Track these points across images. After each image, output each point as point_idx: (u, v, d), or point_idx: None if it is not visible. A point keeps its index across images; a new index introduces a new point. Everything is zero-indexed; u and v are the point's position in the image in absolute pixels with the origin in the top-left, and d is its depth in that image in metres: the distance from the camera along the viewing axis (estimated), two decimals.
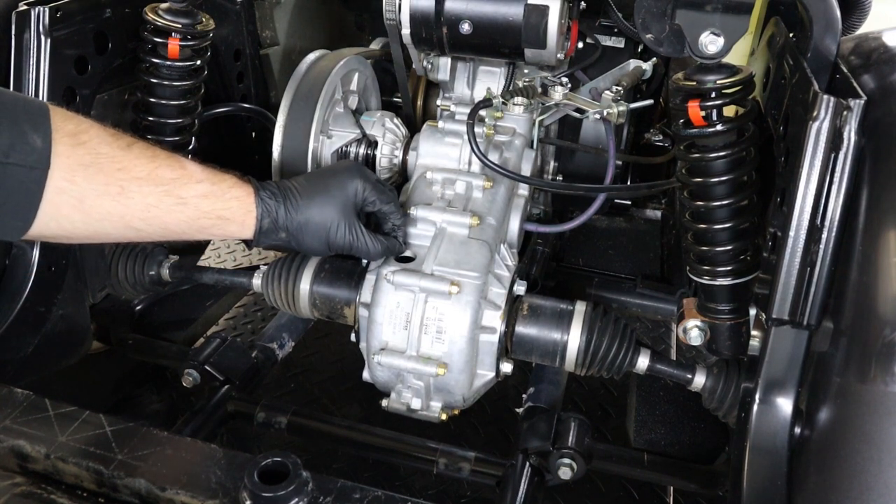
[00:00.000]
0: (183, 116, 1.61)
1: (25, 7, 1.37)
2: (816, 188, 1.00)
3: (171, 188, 1.11)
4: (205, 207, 1.15)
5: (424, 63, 1.66)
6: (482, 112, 1.51)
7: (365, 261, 1.45)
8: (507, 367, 1.39)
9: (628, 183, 2.04)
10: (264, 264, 1.56)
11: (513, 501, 1.38)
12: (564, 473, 1.41)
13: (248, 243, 1.26)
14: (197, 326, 2.10)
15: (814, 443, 1.01)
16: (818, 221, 1.01)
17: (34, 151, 0.96)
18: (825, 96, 0.98)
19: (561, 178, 1.91)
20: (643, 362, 1.39)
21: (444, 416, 1.38)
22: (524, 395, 1.61)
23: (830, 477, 0.96)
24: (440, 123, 1.60)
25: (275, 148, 1.58)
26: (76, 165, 1.01)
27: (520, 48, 1.49)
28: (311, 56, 1.68)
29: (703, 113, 1.17)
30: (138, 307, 1.98)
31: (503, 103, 1.49)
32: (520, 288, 1.42)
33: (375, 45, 2.01)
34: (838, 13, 1.10)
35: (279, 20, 2.02)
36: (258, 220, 1.21)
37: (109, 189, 1.05)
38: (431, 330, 1.31)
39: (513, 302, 1.40)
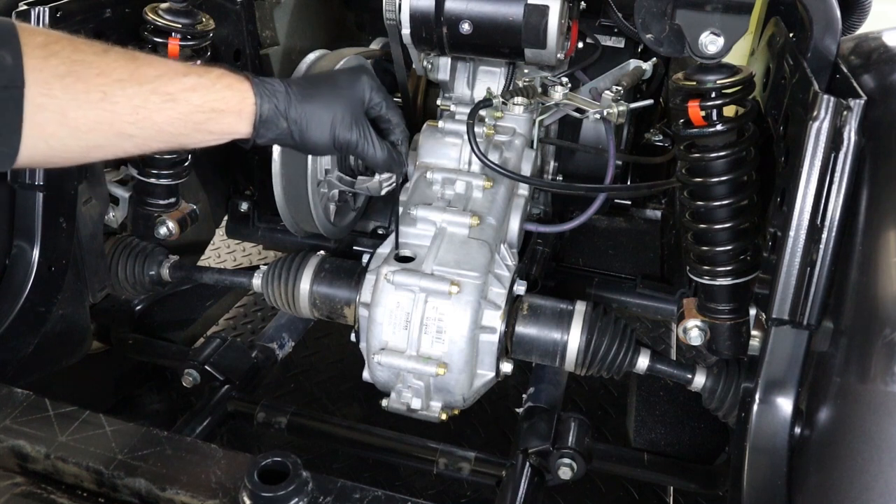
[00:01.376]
0: None
1: (25, 7, 1.36)
2: (816, 188, 1.00)
3: (157, 85, 1.04)
4: (196, 101, 1.07)
5: (424, 63, 1.66)
6: (482, 112, 1.51)
7: (365, 260, 1.45)
8: (507, 367, 1.39)
9: (628, 183, 2.04)
10: (264, 264, 1.56)
11: (513, 501, 1.38)
12: (564, 473, 1.41)
13: (246, 144, 1.19)
14: (197, 326, 2.09)
15: (814, 443, 1.01)
16: (818, 221, 1.01)
17: (5, 70, 0.90)
18: (825, 96, 0.98)
19: (561, 178, 1.91)
20: (643, 362, 1.39)
21: (444, 416, 1.38)
22: (524, 395, 1.61)
23: (830, 477, 0.96)
24: (440, 123, 1.60)
25: (275, 148, 1.58)
26: (52, 77, 0.95)
27: (520, 48, 1.49)
28: (311, 56, 1.68)
29: (703, 113, 1.17)
30: (138, 307, 1.98)
31: (503, 103, 1.49)
32: (520, 288, 1.42)
33: (375, 45, 2.01)
34: (838, 13, 1.10)
35: (279, 20, 2.02)
36: (257, 106, 1.13)
37: (91, 96, 0.98)
38: (431, 330, 1.31)
39: (513, 302, 1.40)
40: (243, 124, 1.14)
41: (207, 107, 1.09)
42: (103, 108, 0.99)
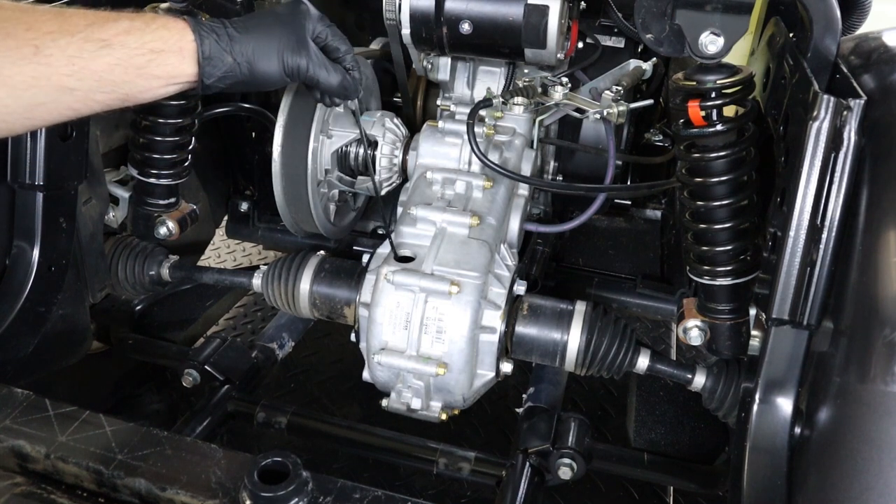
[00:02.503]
0: (183, 116, 1.61)
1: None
2: (816, 188, 1.00)
3: (89, 33, 1.01)
4: (132, 43, 1.04)
5: (424, 63, 1.66)
6: (482, 112, 1.51)
7: (365, 260, 1.45)
8: (507, 367, 1.39)
9: (628, 183, 2.04)
10: (264, 264, 1.56)
11: (513, 501, 1.38)
12: (564, 473, 1.41)
13: (196, 89, 1.14)
14: (197, 326, 2.10)
15: (814, 443, 1.01)
16: (818, 221, 1.01)
17: None
18: (825, 96, 0.98)
19: (561, 178, 1.91)
20: (643, 362, 1.39)
21: (444, 416, 1.38)
22: (524, 395, 1.61)
23: (830, 477, 0.96)
24: (440, 123, 1.60)
25: (275, 148, 1.58)
26: None
27: (520, 48, 1.49)
28: None
29: (703, 113, 1.17)
30: (138, 307, 1.98)
31: (503, 103, 1.49)
32: (520, 288, 1.42)
33: (375, 45, 2.01)
34: (838, 13, 1.10)
35: None
36: (198, 43, 1.10)
37: (23, 51, 0.96)
38: (431, 330, 1.31)
39: (513, 302, 1.40)
40: (187, 64, 1.10)
41: (146, 48, 1.05)
42: (38, 62, 0.98)
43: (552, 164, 1.89)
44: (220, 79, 1.14)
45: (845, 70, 1.08)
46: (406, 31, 1.50)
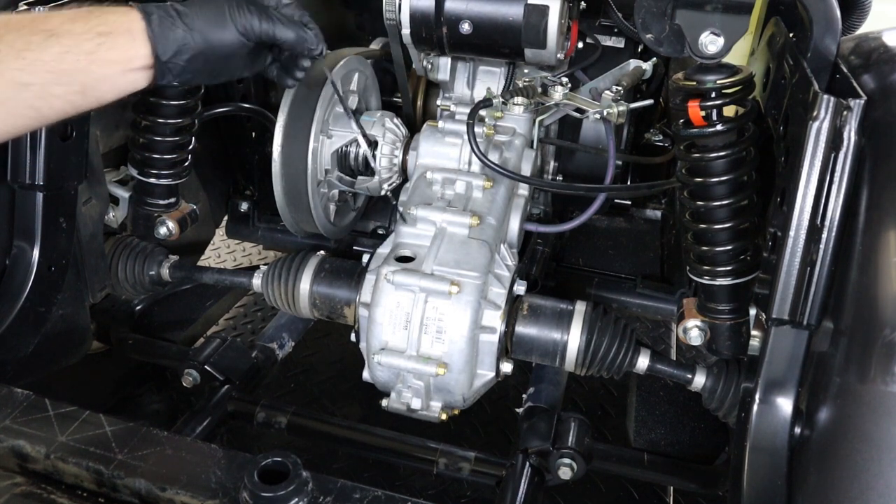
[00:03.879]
0: (183, 116, 1.61)
1: (25, 7, 1.36)
2: (816, 188, 1.00)
3: (34, 26, 1.00)
4: (78, 29, 1.02)
5: (424, 63, 1.66)
6: (482, 112, 1.51)
7: (365, 260, 1.45)
8: (507, 367, 1.39)
9: (628, 183, 2.04)
10: (264, 264, 1.56)
11: (513, 501, 1.38)
12: (564, 473, 1.41)
13: (157, 74, 1.10)
14: (197, 326, 2.10)
15: (814, 443, 1.01)
16: (818, 221, 1.01)
17: None
18: (825, 96, 0.98)
19: (561, 178, 1.91)
20: (643, 362, 1.39)
21: (444, 416, 1.38)
22: (524, 395, 1.61)
23: (830, 477, 0.96)
24: (440, 123, 1.60)
25: (275, 148, 1.58)
26: None
27: (520, 48, 1.49)
28: None
29: (703, 113, 1.17)
30: (138, 307, 1.98)
31: (503, 103, 1.49)
32: (520, 288, 1.42)
33: (375, 45, 2.01)
34: (838, 13, 1.10)
35: None
36: (146, 21, 1.07)
37: None
38: (431, 330, 1.31)
39: (513, 302, 1.40)
40: (139, 44, 1.07)
41: (93, 32, 1.03)
42: None
43: (552, 164, 1.89)
44: (176, 53, 1.10)
45: (845, 70, 1.08)
46: (406, 31, 1.50)
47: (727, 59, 1.14)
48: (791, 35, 1.22)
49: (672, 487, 1.89)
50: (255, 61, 1.24)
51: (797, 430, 1.07)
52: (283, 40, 1.20)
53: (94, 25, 1.04)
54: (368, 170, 1.66)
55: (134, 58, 1.08)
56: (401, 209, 1.44)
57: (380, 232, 2.04)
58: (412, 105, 1.88)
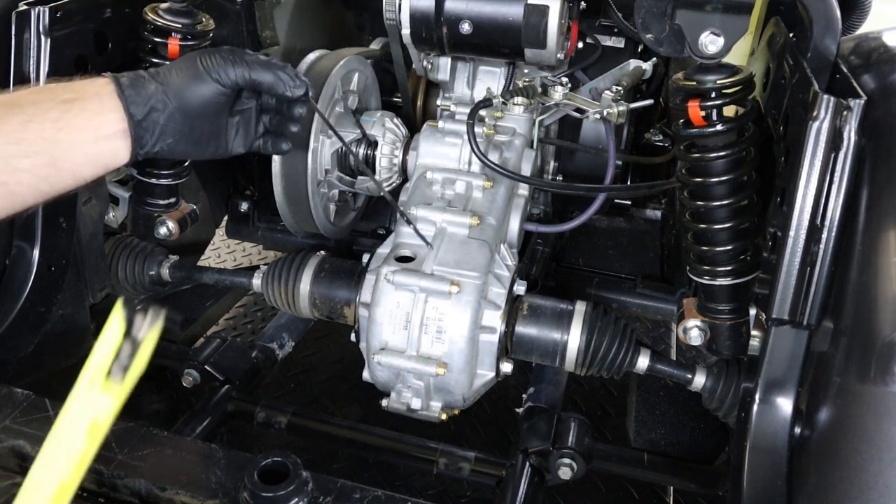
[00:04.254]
0: None
1: (25, 7, 1.36)
2: (816, 188, 1.00)
3: (1, 101, 0.97)
4: (43, 99, 0.97)
5: (424, 63, 1.66)
6: (482, 112, 1.51)
7: (365, 260, 1.45)
8: (507, 367, 1.39)
9: (628, 183, 2.04)
10: (264, 264, 1.57)
11: (513, 501, 1.38)
12: (564, 473, 1.41)
13: (133, 146, 1.03)
14: (197, 326, 2.10)
15: (814, 443, 1.01)
16: (818, 221, 1.01)
17: None
18: (825, 96, 0.98)
19: (561, 178, 1.91)
20: (643, 362, 1.39)
21: (444, 416, 1.38)
22: (524, 395, 1.61)
23: (830, 477, 0.96)
24: (440, 123, 1.60)
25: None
26: None
27: (520, 48, 1.49)
28: (311, 56, 1.68)
29: (703, 113, 1.17)
30: (138, 307, 1.97)
31: (503, 103, 1.49)
32: (520, 288, 1.42)
33: (375, 45, 2.01)
34: (838, 13, 1.10)
35: (279, 20, 2.01)
36: (115, 82, 1.03)
37: None
38: (431, 330, 1.31)
39: (513, 302, 1.40)
40: (109, 107, 1.01)
41: (57, 100, 0.98)
42: None
43: (552, 164, 1.89)
44: (150, 111, 1.04)
45: (845, 70, 1.08)
46: (406, 31, 1.50)
47: (727, 59, 1.14)
48: (791, 35, 1.22)
49: (672, 487, 1.89)
50: (241, 119, 1.18)
51: (797, 430, 1.07)
52: (260, 82, 1.12)
53: (59, 94, 0.99)
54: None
55: (105, 122, 1.01)
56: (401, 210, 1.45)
57: (380, 232, 2.04)
58: (412, 105, 1.88)
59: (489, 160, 1.45)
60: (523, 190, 1.61)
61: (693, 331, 1.33)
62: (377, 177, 1.63)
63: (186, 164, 1.70)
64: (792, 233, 1.02)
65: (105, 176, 1.65)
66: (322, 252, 1.55)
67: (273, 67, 1.12)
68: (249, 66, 1.10)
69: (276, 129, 1.23)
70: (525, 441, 1.45)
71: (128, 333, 0.79)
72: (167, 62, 1.52)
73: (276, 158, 1.58)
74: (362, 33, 2.20)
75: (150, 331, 0.86)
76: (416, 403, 1.34)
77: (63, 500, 0.71)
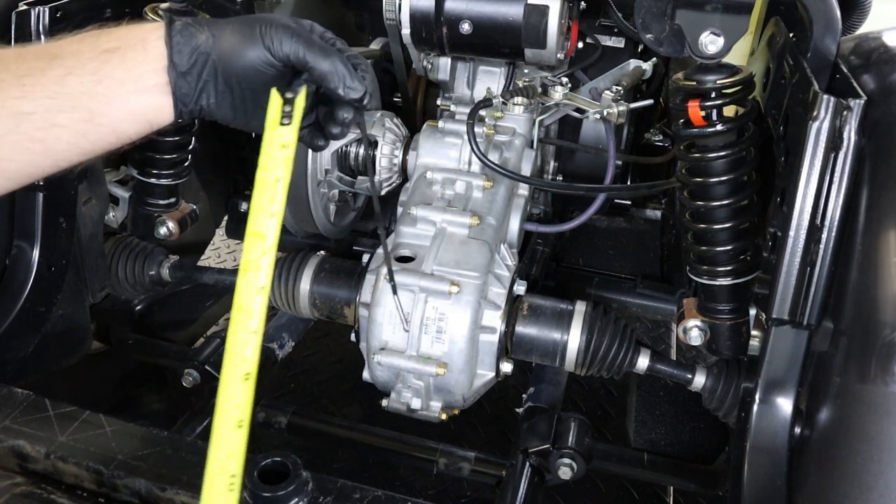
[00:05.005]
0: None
1: (25, 7, 1.36)
2: (816, 188, 1.00)
3: (41, 52, 0.92)
4: (85, 49, 0.91)
5: (424, 63, 1.66)
6: (482, 112, 1.51)
7: (365, 260, 1.45)
8: (507, 367, 1.39)
9: (628, 183, 2.04)
10: None
11: (513, 501, 1.38)
12: (564, 473, 1.41)
13: (174, 87, 0.95)
14: (197, 326, 2.10)
15: (814, 443, 1.01)
16: (818, 221, 1.01)
17: None
18: (825, 96, 0.98)
19: (561, 178, 1.91)
20: (643, 362, 1.39)
21: (444, 416, 1.38)
22: (524, 395, 1.61)
23: (830, 477, 0.96)
24: (440, 123, 1.60)
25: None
26: None
27: (520, 48, 1.49)
28: None
29: (703, 113, 1.17)
30: (138, 307, 1.98)
31: (503, 103, 1.49)
32: (520, 288, 1.42)
33: (375, 45, 2.01)
34: (838, 13, 1.10)
35: None
36: (168, 26, 0.94)
37: None
38: (431, 330, 1.31)
39: (513, 302, 1.40)
40: (152, 56, 0.93)
41: (99, 49, 0.92)
42: None
43: (552, 164, 1.89)
44: (193, 64, 0.95)
45: (845, 70, 1.08)
46: (406, 31, 1.50)
47: (727, 59, 1.14)
48: (791, 35, 1.22)
49: (672, 487, 1.90)
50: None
51: (797, 430, 1.07)
52: (313, 67, 0.98)
53: (102, 42, 0.93)
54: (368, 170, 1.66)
55: (146, 74, 0.94)
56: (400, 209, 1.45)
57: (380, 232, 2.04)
58: (412, 105, 1.88)
59: (489, 160, 1.45)
60: (523, 190, 1.61)
61: (693, 331, 1.33)
62: (377, 177, 1.63)
63: (186, 164, 1.70)
64: (792, 233, 1.02)
65: (105, 176, 1.66)
66: (322, 252, 1.55)
67: (334, 56, 0.98)
68: (308, 46, 0.97)
69: (321, 122, 1.09)
70: (525, 441, 1.45)
71: (284, 101, 0.93)
72: None
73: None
74: (362, 33, 2.20)
75: (300, 93, 0.95)
76: (416, 403, 1.34)
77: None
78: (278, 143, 0.92)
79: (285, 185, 0.91)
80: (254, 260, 0.85)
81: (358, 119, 1.06)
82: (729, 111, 1.19)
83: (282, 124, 0.92)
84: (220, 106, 1.00)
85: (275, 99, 0.94)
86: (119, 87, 0.92)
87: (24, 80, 0.89)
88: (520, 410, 1.58)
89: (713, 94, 1.16)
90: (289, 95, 0.94)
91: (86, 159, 0.98)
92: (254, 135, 2.20)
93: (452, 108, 1.71)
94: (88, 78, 0.91)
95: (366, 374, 1.41)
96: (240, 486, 0.83)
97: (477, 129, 1.48)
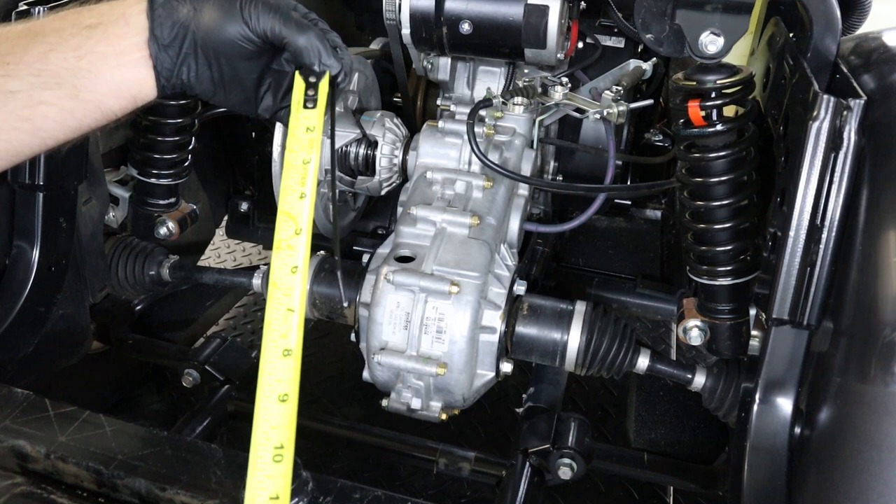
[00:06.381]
0: (183, 116, 1.61)
1: (25, 7, 1.36)
2: (816, 188, 1.00)
3: (24, 30, 0.93)
4: (67, 25, 0.92)
5: (424, 63, 1.66)
6: (482, 112, 1.51)
7: (365, 260, 1.45)
8: (507, 367, 1.39)
9: (628, 183, 2.04)
10: (264, 264, 1.56)
11: (513, 501, 1.38)
12: (564, 473, 1.41)
13: (155, 63, 0.95)
14: (197, 326, 2.10)
15: (814, 443, 1.01)
16: (818, 221, 1.01)
17: None
18: (825, 96, 0.98)
19: (561, 178, 1.91)
20: (643, 362, 1.39)
21: (444, 416, 1.38)
22: (524, 395, 1.61)
23: (830, 477, 0.96)
24: (440, 123, 1.60)
25: (275, 148, 1.58)
26: None
27: (520, 48, 1.49)
28: None
29: (703, 113, 1.17)
30: (138, 307, 1.98)
31: (503, 103, 1.49)
32: (520, 288, 1.42)
33: (375, 45, 2.01)
34: (838, 13, 1.10)
35: None
36: (148, 1, 0.95)
37: None
38: (431, 330, 1.31)
39: (513, 302, 1.40)
40: (134, 30, 0.94)
41: (81, 26, 0.92)
42: None
43: (552, 164, 1.89)
44: (174, 38, 0.95)
45: (845, 70, 1.08)
46: (406, 31, 1.50)
47: (727, 59, 1.14)
48: (791, 35, 1.23)
49: (672, 487, 1.89)
50: (273, 80, 1.07)
51: (797, 430, 1.07)
52: (289, 42, 0.99)
53: (83, 18, 0.94)
54: (368, 170, 1.66)
55: (128, 48, 0.94)
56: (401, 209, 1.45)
57: (380, 232, 2.04)
58: (412, 105, 1.88)
59: (489, 160, 1.45)
60: (523, 190, 1.61)
61: (693, 331, 1.33)
62: (377, 177, 1.63)
63: (186, 164, 1.70)
64: (792, 233, 1.02)
65: (105, 176, 1.66)
66: (322, 252, 1.55)
67: (310, 33, 0.99)
68: (285, 21, 0.98)
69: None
70: (525, 441, 1.45)
71: (307, 85, 0.99)
72: None
73: (276, 158, 1.58)
74: (362, 33, 2.20)
75: (324, 78, 1.00)
76: (416, 403, 1.34)
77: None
78: (303, 125, 0.97)
79: (315, 167, 0.95)
80: (285, 239, 0.90)
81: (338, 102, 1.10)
82: (729, 111, 1.19)
83: (305, 107, 0.98)
84: (201, 80, 1.01)
85: (298, 83, 0.99)
86: (102, 62, 0.93)
87: (6, 58, 0.90)
88: (520, 410, 1.58)
89: (713, 94, 1.16)
90: (312, 80, 0.99)
91: (73, 137, 0.99)
92: (253, 134, 2.21)
93: (452, 108, 1.71)
94: (71, 54, 0.92)
95: (366, 374, 1.41)
96: (290, 458, 0.84)
97: (477, 129, 1.48)
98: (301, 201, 0.92)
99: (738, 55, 1.40)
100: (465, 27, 1.47)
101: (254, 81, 1.05)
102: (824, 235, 1.01)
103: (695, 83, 1.17)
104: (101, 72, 0.93)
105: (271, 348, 0.86)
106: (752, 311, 1.25)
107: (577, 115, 1.63)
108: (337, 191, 1.72)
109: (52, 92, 0.92)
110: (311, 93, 0.99)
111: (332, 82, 1.03)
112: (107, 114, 0.98)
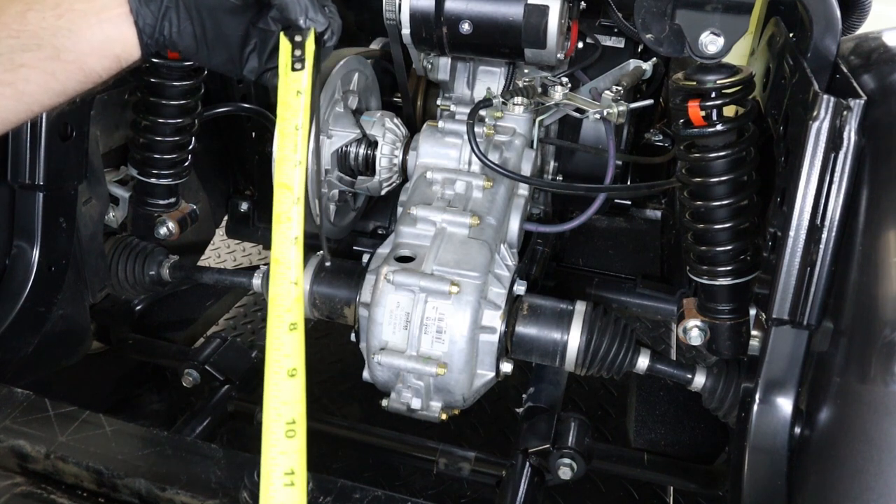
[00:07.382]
0: (183, 116, 1.61)
1: None
2: (816, 188, 1.00)
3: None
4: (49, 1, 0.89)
5: (424, 63, 1.66)
6: (482, 112, 1.51)
7: (365, 260, 1.45)
8: (507, 367, 1.39)
9: (628, 183, 2.04)
10: (264, 264, 1.56)
11: (513, 501, 1.38)
12: (564, 473, 1.41)
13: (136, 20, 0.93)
14: (197, 326, 2.10)
15: (814, 443, 1.01)
16: (818, 221, 1.01)
17: None
18: (825, 96, 0.98)
19: (561, 178, 1.91)
20: (643, 362, 1.39)
21: (443, 416, 1.38)
22: (524, 395, 1.61)
23: (830, 477, 0.96)
24: (440, 123, 1.60)
25: (275, 148, 1.57)
26: None
27: (520, 48, 1.49)
28: None
29: (703, 113, 1.17)
30: (138, 307, 1.98)
31: (503, 103, 1.49)
32: (520, 288, 1.42)
33: (375, 45, 2.01)
34: (838, 13, 1.10)
35: None
36: None
37: None
38: (431, 330, 1.31)
39: (513, 302, 1.40)
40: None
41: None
42: None
43: (552, 164, 1.89)
44: (157, 7, 0.93)
45: (845, 70, 1.08)
46: (406, 31, 1.50)
47: (727, 59, 1.14)
48: (791, 35, 1.22)
49: (672, 487, 1.89)
50: (259, 40, 1.02)
51: (797, 430, 1.07)
52: (289, 6, 0.95)
53: None
54: (368, 170, 1.66)
55: (107, 4, 0.91)
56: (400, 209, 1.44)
57: (380, 232, 2.04)
58: (412, 105, 1.88)
59: (489, 160, 1.45)
60: (523, 190, 1.61)
61: (693, 331, 1.33)
62: (377, 177, 1.63)
63: (186, 164, 1.70)
64: (792, 233, 1.02)
65: (105, 176, 1.66)
66: (321, 252, 1.55)
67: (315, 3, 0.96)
68: None
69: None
70: (525, 441, 1.45)
71: (294, 45, 0.94)
72: (165, 62, 1.53)
73: (275, 158, 1.58)
74: (362, 33, 2.20)
75: (309, 36, 0.94)
76: (416, 403, 1.34)
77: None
78: (293, 89, 0.94)
79: (305, 133, 0.94)
80: (284, 211, 0.89)
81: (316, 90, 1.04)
82: (729, 111, 1.19)
83: (293, 69, 0.93)
84: (183, 35, 0.98)
85: (284, 44, 0.94)
86: (81, 20, 0.90)
87: None
88: (520, 410, 1.58)
89: (713, 94, 1.16)
90: (298, 39, 0.93)
91: (58, 102, 0.96)
92: (253, 134, 2.20)
93: (452, 108, 1.71)
94: (50, 13, 0.89)
95: (366, 374, 1.41)
96: (303, 434, 0.84)
97: (477, 129, 1.48)
98: (295, 170, 0.93)
99: (738, 55, 1.40)
100: (465, 27, 1.47)
101: (238, 40, 1.02)
102: (824, 235, 1.01)
103: (695, 83, 1.17)
104: (82, 30, 0.90)
105: (277, 323, 0.86)
106: (752, 311, 1.25)
107: (577, 115, 1.63)
108: (336, 191, 1.72)
109: (32, 54, 0.89)
110: (297, 53, 0.93)
111: (319, 40, 0.98)
112: (90, 75, 0.95)
